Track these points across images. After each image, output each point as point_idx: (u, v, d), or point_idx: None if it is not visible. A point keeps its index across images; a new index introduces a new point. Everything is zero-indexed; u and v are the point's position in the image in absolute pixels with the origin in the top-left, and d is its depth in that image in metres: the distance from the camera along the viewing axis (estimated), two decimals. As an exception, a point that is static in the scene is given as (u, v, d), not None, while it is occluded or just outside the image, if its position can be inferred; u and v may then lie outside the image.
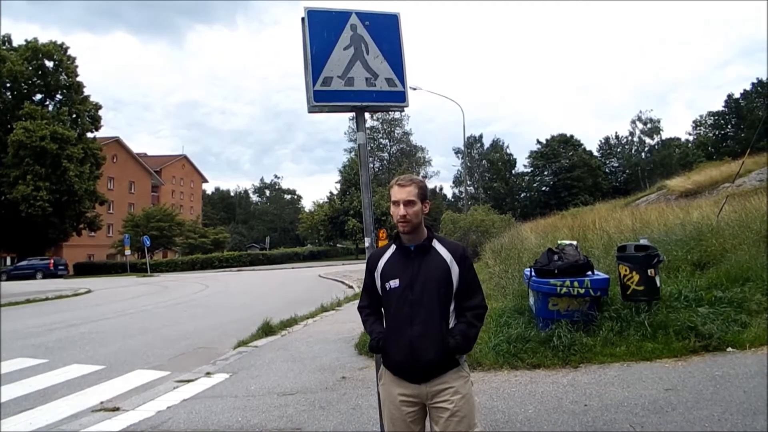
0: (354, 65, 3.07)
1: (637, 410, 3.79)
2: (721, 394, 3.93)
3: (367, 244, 3.01)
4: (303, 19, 3.05)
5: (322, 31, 3.03)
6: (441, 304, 2.17)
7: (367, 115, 3.46)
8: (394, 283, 2.20)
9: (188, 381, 5.61)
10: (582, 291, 5.36)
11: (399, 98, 3.22)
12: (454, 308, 2.22)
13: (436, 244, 2.24)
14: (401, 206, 2.17)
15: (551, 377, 4.72)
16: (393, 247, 2.28)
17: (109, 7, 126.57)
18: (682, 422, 3.53)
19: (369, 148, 3.44)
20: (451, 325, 2.20)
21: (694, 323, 5.16)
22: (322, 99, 3.05)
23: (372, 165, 55.47)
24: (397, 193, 2.19)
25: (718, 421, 3.48)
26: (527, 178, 69.25)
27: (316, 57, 3.02)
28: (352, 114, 3.39)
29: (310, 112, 3.12)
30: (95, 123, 43.24)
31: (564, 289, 5.37)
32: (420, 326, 2.14)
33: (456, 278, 2.19)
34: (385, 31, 3.16)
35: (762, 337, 4.96)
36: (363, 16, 3.11)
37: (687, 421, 3.54)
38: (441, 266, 2.18)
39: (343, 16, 3.08)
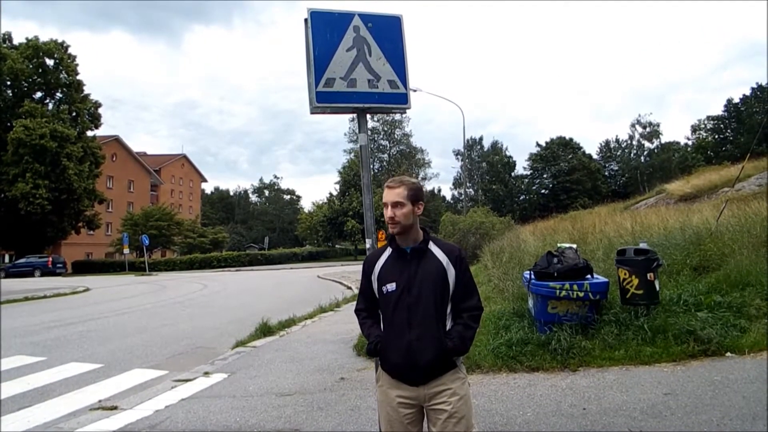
0: (356, 67, 3.07)
1: (635, 414, 3.79)
2: (720, 399, 3.93)
3: (368, 246, 3.01)
4: (306, 20, 3.05)
5: (324, 32, 3.03)
6: (438, 306, 2.17)
7: (367, 116, 3.46)
8: (391, 286, 2.20)
9: (186, 380, 5.60)
10: (581, 294, 5.36)
11: (401, 100, 3.22)
12: (450, 310, 2.23)
13: (432, 246, 2.24)
14: (389, 208, 2.19)
15: (550, 380, 4.71)
16: (389, 250, 2.28)
17: (106, 7, 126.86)
18: (681, 427, 3.53)
19: (369, 149, 3.45)
20: (448, 327, 2.21)
21: (694, 328, 5.16)
22: (324, 100, 3.05)
23: (372, 166, 55.32)
24: (386, 195, 2.22)
25: (717, 426, 3.48)
26: (526, 180, 69.31)
27: (319, 58, 3.02)
28: (353, 115, 3.39)
29: (312, 113, 3.13)
30: (95, 121, 43.21)
31: (563, 293, 5.37)
32: (418, 329, 2.14)
33: (452, 280, 2.19)
34: (387, 33, 3.17)
35: (761, 342, 4.97)
36: (366, 17, 3.12)
37: (686, 425, 3.54)
38: (437, 268, 2.19)
39: (346, 18, 3.08)
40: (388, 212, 2.19)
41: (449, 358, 2.17)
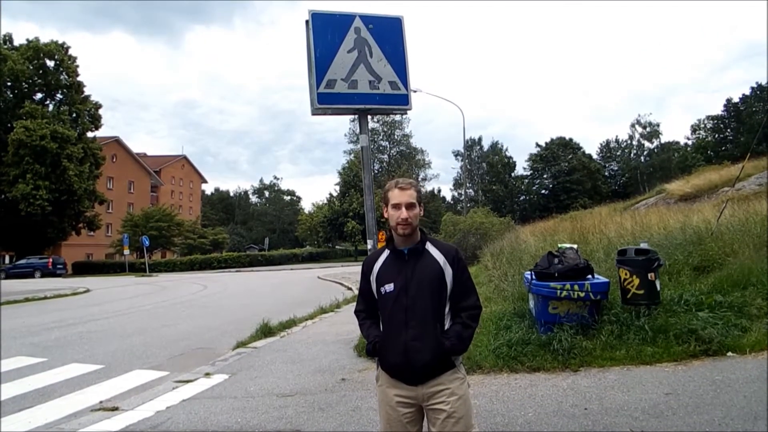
0: (358, 68, 3.06)
1: (637, 414, 3.79)
2: (721, 399, 3.93)
3: (369, 246, 3.02)
4: (307, 21, 3.04)
5: (326, 33, 3.02)
6: (435, 306, 2.19)
7: (368, 117, 3.45)
8: (389, 287, 2.22)
9: (187, 381, 5.60)
10: (582, 294, 5.37)
11: (402, 101, 3.22)
12: (449, 310, 2.24)
13: (429, 246, 2.26)
14: (404, 209, 2.18)
15: (551, 380, 4.71)
16: (387, 251, 2.29)
17: (106, 7, 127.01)
18: (682, 426, 3.53)
19: (370, 150, 3.44)
20: (446, 327, 2.22)
21: (695, 327, 5.16)
22: (325, 101, 3.05)
23: (371, 167, 55.41)
24: (399, 196, 2.21)
25: (718, 426, 3.48)
26: (526, 181, 69.34)
27: (320, 59, 3.01)
28: (354, 116, 3.38)
29: (313, 114, 3.12)
30: (95, 122, 43.28)
31: (564, 293, 5.37)
32: (415, 329, 2.16)
33: (450, 280, 2.21)
34: (388, 34, 3.15)
35: (762, 341, 4.97)
36: (367, 19, 3.10)
37: (687, 425, 3.54)
38: (434, 269, 2.20)
39: (347, 19, 3.07)
40: (402, 214, 2.17)
41: (447, 358, 2.18)
